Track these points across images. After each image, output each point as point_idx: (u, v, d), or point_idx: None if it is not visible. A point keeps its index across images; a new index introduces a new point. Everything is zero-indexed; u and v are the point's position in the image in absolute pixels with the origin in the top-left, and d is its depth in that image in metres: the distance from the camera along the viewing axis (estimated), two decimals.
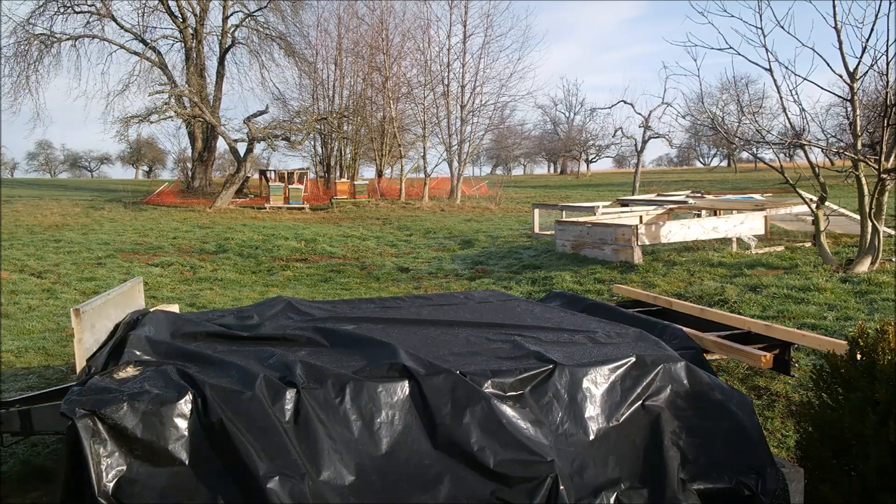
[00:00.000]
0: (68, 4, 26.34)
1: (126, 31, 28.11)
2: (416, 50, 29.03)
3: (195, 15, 29.44)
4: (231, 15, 30.07)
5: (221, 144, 31.75)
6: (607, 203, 14.48)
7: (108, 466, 2.14)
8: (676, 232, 9.99)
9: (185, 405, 2.29)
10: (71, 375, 4.60)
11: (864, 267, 7.79)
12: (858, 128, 7.87)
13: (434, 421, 2.42)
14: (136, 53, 28.11)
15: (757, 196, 15.24)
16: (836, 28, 7.57)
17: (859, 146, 7.82)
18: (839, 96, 8.65)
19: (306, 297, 8.07)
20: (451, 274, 9.93)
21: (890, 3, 7.42)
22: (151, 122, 23.85)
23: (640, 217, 12.23)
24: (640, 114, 30.49)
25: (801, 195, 8.83)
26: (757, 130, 9.36)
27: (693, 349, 3.16)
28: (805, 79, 8.01)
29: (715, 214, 12.05)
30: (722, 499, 2.47)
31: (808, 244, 10.15)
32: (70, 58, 37.32)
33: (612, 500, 2.37)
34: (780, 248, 10.05)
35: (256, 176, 32.14)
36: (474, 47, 45.57)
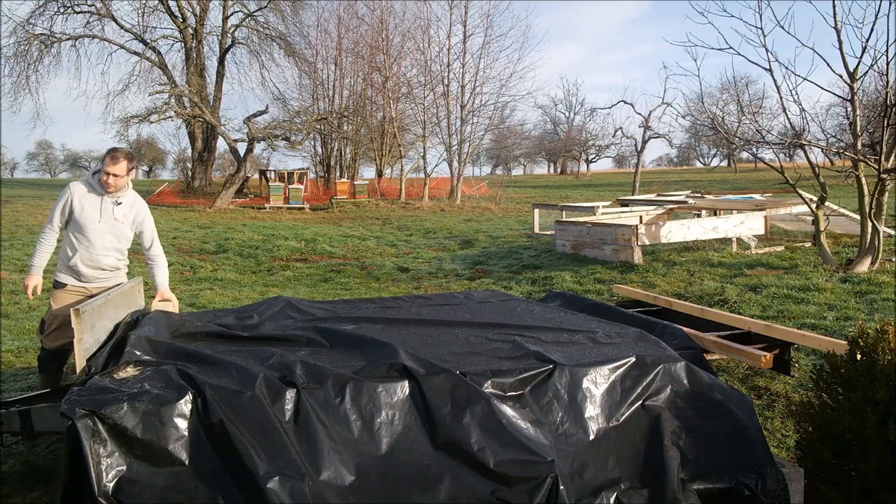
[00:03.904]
0: (68, 4, 26.36)
1: (126, 31, 28.15)
2: (416, 50, 29.07)
3: (195, 15, 29.46)
4: (231, 15, 30.10)
5: (221, 144, 31.81)
6: (607, 203, 14.48)
7: (108, 466, 2.14)
8: (676, 232, 9.99)
9: (185, 405, 2.29)
10: (71, 375, 4.60)
11: (864, 267, 7.79)
12: (858, 128, 7.88)
13: (434, 421, 2.42)
14: (136, 53, 28.14)
15: (757, 196, 15.24)
16: (836, 28, 7.57)
17: (859, 146, 7.82)
18: (839, 96, 8.66)
19: (306, 297, 8.07)
20: (451, 274, 9.93)
21: (890, 3, 7.42)
22: (151, 122, 23.93)
23: (640, 217, 12.23)
24: (640, 114, 30.51)
25: (801, 195, 8.83)
26: (757, 130, 9.36)
27: (693, 349, 3.16)
28: (805, 79, 8.02)
29: (715, 214, 12.05)
30: (722, 499, 2.47)
31: (808, 244, 10.15)
32: (70, 58, 37.39)
33: (612, 500, 2.37)
34: (780, 248, 10.05)
35: (256, 176, 32.16)
36: (474, 47, 45.59)
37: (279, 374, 2.53)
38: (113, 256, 4.00)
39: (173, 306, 4.07)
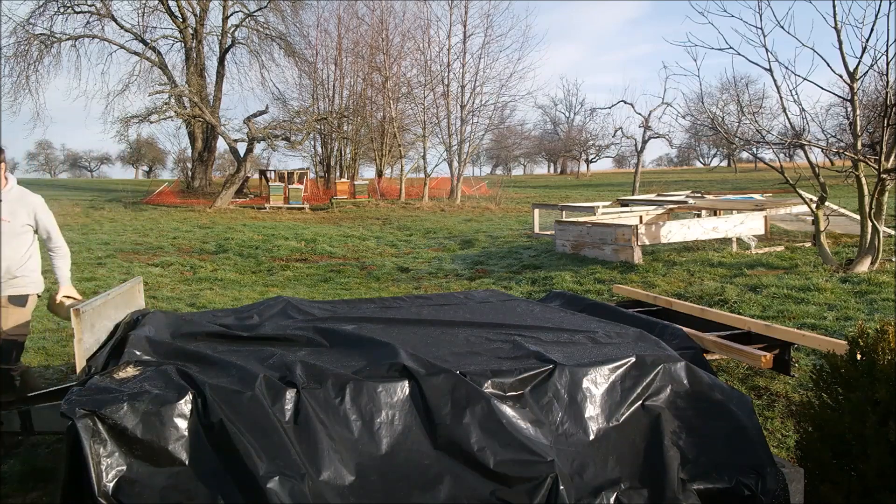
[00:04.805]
0: (68, 4, 26.37)
1: (126, 31, 28.16)
2: (416, 50, 29.07)
3: (195, 15, 29.46)
4: (231, 15, 30.10)
5: (221, 144, 31.82)
6: (607, 203, 14.48)
7: (108, 466, 2.13)
8: (676, 232, 9.99)
9: (185, 405, 2.29)
10: (71, 375, 4.60)
11: (864, 267, 7.79)
12: (858, 128, 7.88)
13: (434, 421, 2.42)
14: (136, 53, 28.15)
15: (757, 196, 15.24)
16: (836, 28, 7.57)
17: (859, 146, 7.82)
18: (839, 96, 8.67)
19: (306, 297, 8.07)
20: (451, 274, 9.93)
21: (890, 3, 7.42)
22: (151, 122, 23.93)
23: (640, 217, 12.23)
24: (640, 114, 30.51)
25: (801, 195, 8.83)
26: (757, 130, 9.36)
27: (693, 349, 3.16)
28: (805, 79, 8.03)
29: (715, 214, 12.05)
30: (722, 499, 2.47)
31: (808, 244, 10.15)
32: (70, 58, 37.36)
33: (612, 500, 2.37)
34: (780, 248, 10.05)
35: (256, 176, 32.16)
36: (474, 47, 45.59)
37: (279, 374, 2.53)
38: (7, 260, 3.80)
39: (76, 301, 3.89)
